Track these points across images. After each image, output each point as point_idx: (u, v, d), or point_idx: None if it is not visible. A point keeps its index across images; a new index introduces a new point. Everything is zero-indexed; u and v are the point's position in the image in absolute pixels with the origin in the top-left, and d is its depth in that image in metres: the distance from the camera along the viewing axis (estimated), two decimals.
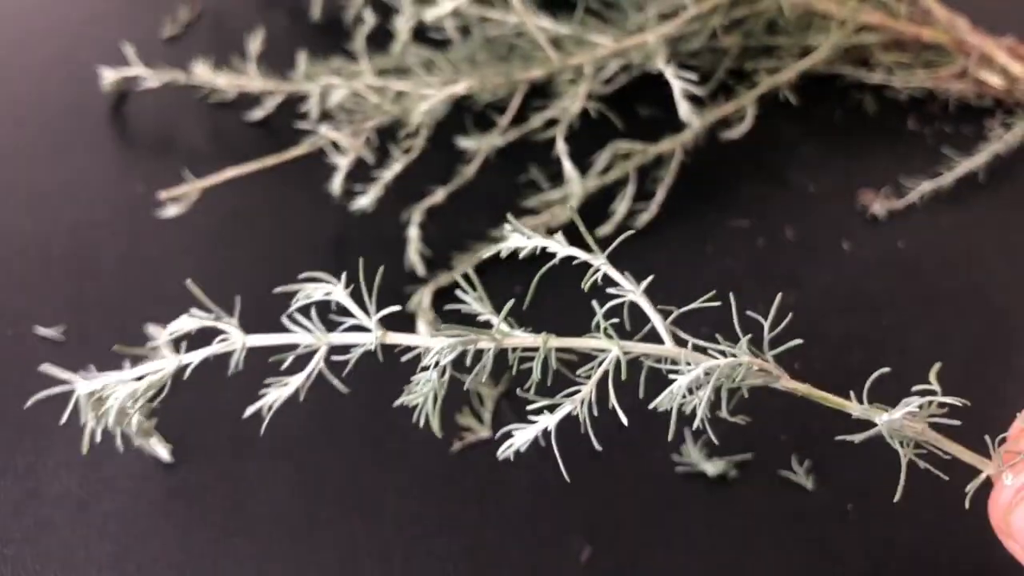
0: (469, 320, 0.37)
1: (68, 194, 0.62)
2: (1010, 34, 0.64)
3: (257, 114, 0.65)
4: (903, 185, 0.60)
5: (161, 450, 0.49)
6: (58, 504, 0.48)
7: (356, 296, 0.57)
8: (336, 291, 0.37)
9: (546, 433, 0.36)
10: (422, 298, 0.55)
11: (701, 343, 0.36)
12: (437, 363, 0.36)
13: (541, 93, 0.62)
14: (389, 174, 0.58)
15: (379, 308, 0.56)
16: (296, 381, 0.37)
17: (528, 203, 0.59)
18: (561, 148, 0.58)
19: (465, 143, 0.60)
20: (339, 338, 0.37)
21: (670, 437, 0.36)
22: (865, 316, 0.55)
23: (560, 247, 0.38)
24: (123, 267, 0.58)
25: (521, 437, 0.36)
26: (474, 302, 0.37)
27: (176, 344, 0.39)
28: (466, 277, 0.38)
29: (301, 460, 0.50)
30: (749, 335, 0.35)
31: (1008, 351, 0.54)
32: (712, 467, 0.48)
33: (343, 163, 0.58)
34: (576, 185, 0.57)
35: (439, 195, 0.59)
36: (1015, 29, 0.65)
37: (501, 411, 0.51)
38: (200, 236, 0.59)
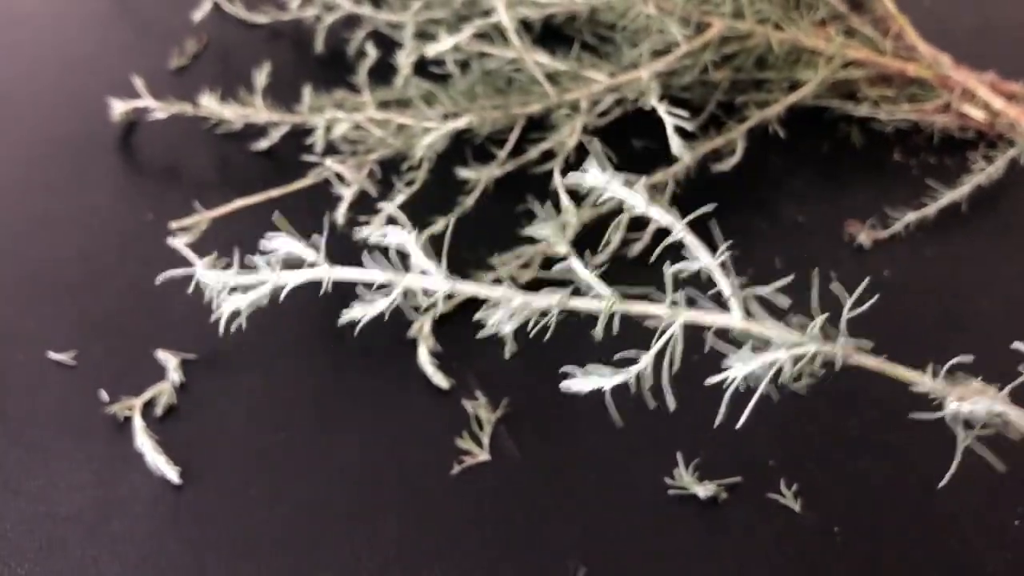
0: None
1: (79, 222, 0.63)
2: (991, 70, 0.66)
3: (263, 145, 0.67)
4: (888, 216, 0.62)
5: (170, 472, 0.51)
6: (70, 525, 0.49)
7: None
8: (409, 240, 0.38)
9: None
10: (423, 324, 0.56)
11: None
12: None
13: (538, 126, 0.64)
14: (392, 205, 0.59)
15: (379, 333, 0.58)
16: (382, 305, 0.39)
17: (526, 232, 0.61)
18: (558, 179, 0.60)
19: (465, 174, 0.62)
20: (414, 280, 0.39)
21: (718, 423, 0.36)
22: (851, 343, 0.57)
23: (640, 201, 0.38)
24: (133, 294, 0.59)
25: (581, 384, 0.37)
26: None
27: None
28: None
29: (305, 484, 0.51)
30: (826, 314, 0.37)
31: (989, 379, 0.55)
32: (703, 490, 0.50)
33: (347, 194, 0.59)
34: (572, 215, 0.59)
35: (439, 225, 0.60)
36: (996, 65, 0.67)
37: (499, 435, 0.53)
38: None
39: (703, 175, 0.63)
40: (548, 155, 0.62)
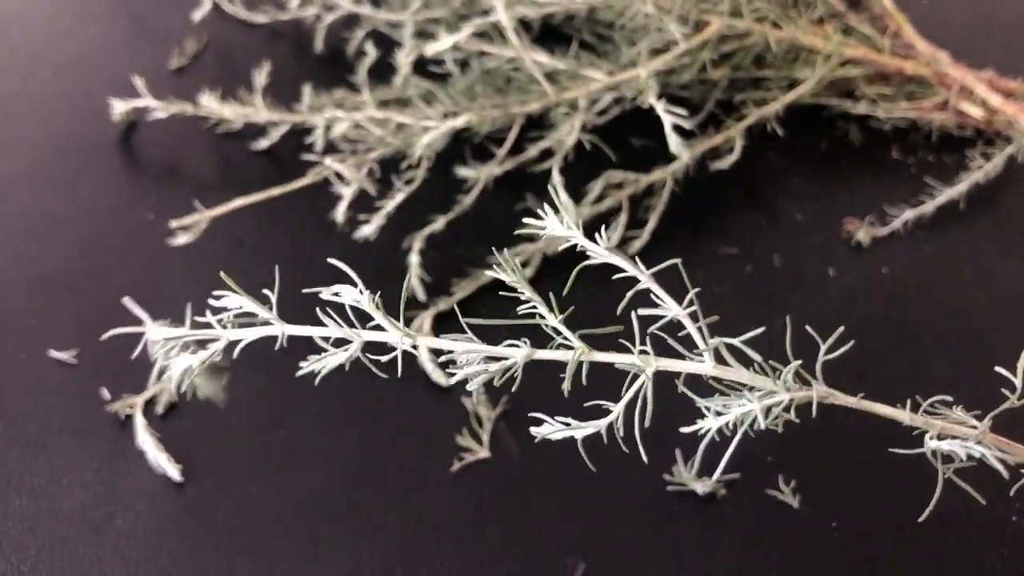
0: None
1: (80, 221, 0.64)
2: (989, 67, 0.67)
3: (263, 144, 0.67)
4: (887, 213, 0.62)
5: (171, 470, 0.51)
6: (72, 522, 0.50)
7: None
8: (363, 299, 0.37)
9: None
10: (423, 323, 0.57)
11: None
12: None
13: (537, 125, 0.64)
14: (391, 203, 0.60)
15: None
16: (340, 358, 0.37)
17: (524, 231, 0.61)
18: (556, 178, 0.60)
19: (464, 173, 0.63)
20: (372, 335, 0.37)
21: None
22: (850, 341, 0.57)
23: (601, 251, 0.37)
24: (134, 292, 0.59)
25: (550, 431, 0.37)
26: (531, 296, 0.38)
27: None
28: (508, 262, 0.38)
29: (306, 481, 0.51)
30: (799, 361, 0.36)
31: (987, 376, 0.56)
32: (702, 486, 0.50)
33: (347, 193, 0.60)
34: (571, 214, 0.59)
35: (439, 223, 0.61)
36: (994, 62, 0.67)
37: (499, 432, 0.53)
38: (208, 263, 0.61)
39: (702, 173, 0.63)
40: (547, 153, 0.62)
